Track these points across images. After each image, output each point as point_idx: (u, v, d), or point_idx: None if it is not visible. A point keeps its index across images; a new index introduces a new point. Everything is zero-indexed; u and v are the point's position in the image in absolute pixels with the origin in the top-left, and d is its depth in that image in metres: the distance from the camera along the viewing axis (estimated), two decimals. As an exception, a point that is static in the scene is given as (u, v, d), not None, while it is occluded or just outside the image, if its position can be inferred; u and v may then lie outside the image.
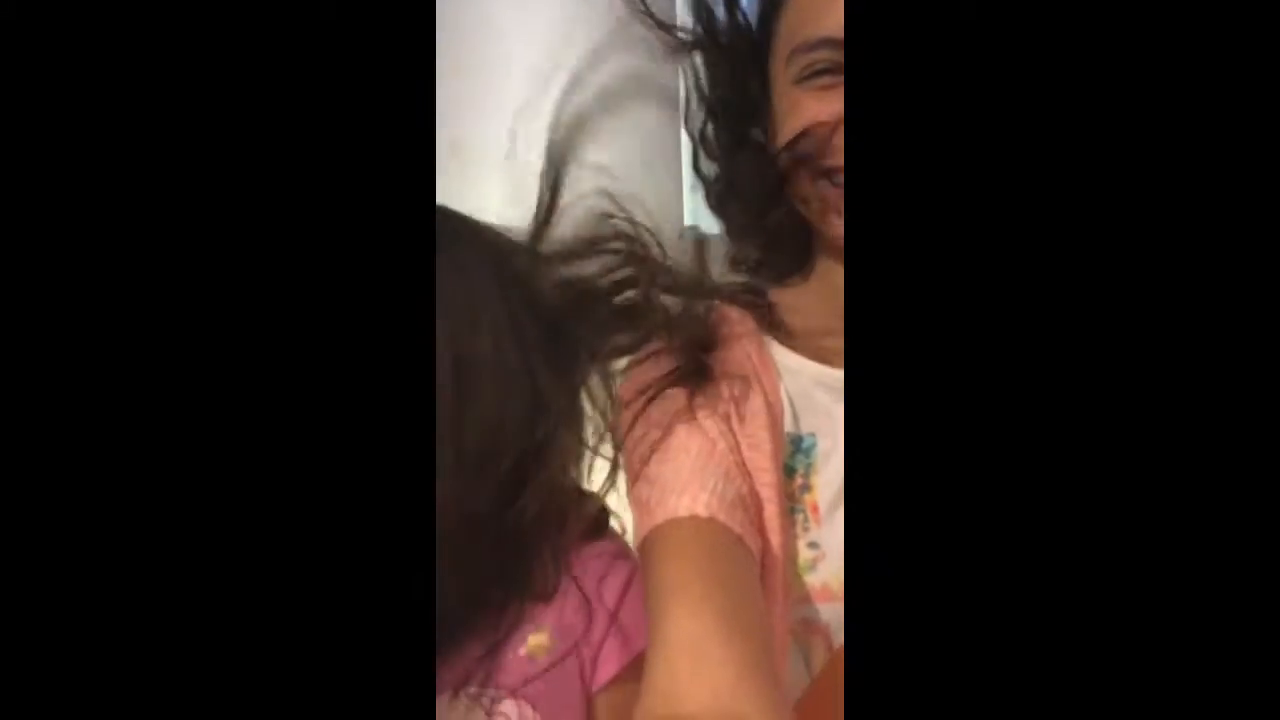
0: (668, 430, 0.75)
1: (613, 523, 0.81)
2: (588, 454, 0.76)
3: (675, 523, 0.71)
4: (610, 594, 0.77)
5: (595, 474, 0.78)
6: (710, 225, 0.88)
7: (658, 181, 0.80)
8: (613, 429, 0.76)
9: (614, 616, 0.77)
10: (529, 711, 0.74)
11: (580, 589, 0.76)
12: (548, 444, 0.72)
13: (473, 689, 0.73)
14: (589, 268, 0.76)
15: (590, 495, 0.78)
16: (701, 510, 0.71)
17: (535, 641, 0.75)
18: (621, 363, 0.80)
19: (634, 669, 0.76)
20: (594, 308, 0.76)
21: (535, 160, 0.78)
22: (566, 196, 0.76)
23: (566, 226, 0.76)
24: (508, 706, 0.74)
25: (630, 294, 0.76)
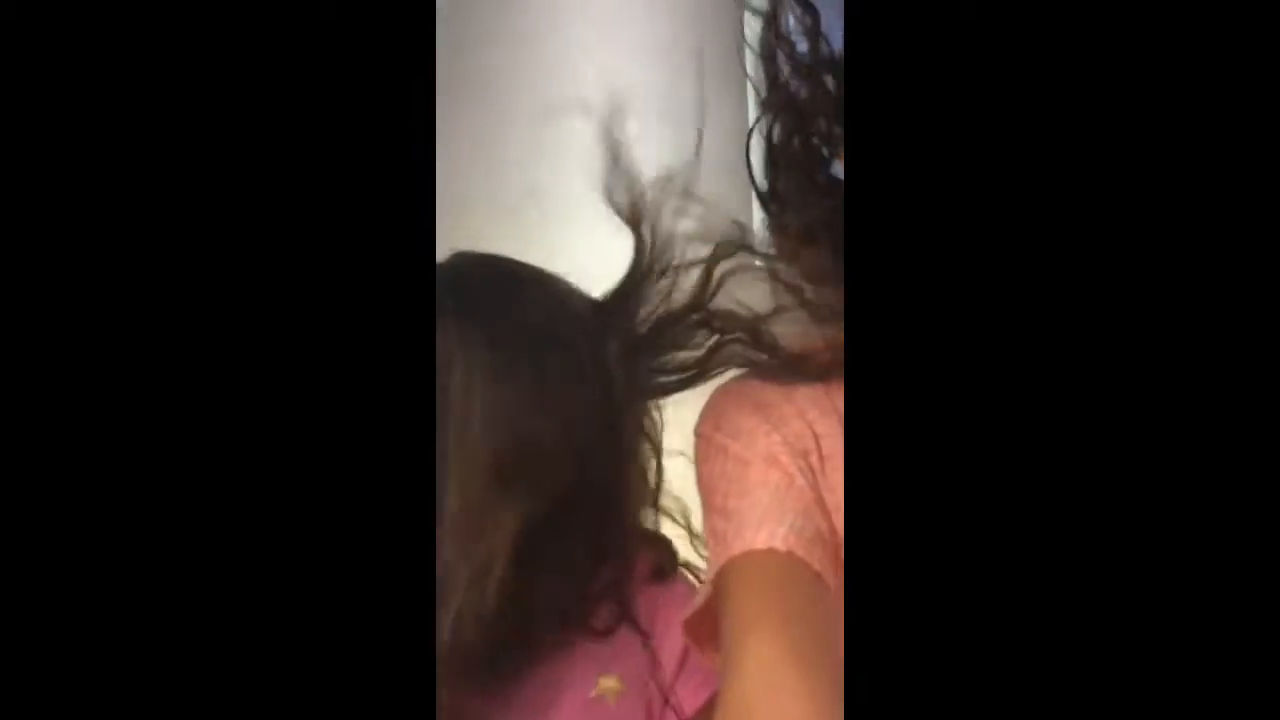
0: (747, 464, 0.74)
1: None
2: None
3: (752, 555, 0.71)
4: (679, 637, 0.76)
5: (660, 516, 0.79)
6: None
7: (725, 222, 0.80)
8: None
9: (684, 660, 0.76)
10: None
11: (639, 627, 0.76)
12: (615, 483, 0.73)
13: None
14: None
15: (658, 536, 0.78)
16: (779, 545, 0.70)
17: (605, 684, 0.76)
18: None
19: (706, 713, 0.76)
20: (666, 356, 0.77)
21: (610, 210, 0.79)
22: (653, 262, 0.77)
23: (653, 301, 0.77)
24: None
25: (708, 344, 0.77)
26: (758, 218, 0.86)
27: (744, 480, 0.74)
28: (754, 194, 0.82)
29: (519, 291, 0.78)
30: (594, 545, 0.75)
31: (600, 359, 0.75)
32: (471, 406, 0.72)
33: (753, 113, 0.83)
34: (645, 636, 0.76)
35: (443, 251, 0.75)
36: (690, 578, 0.81)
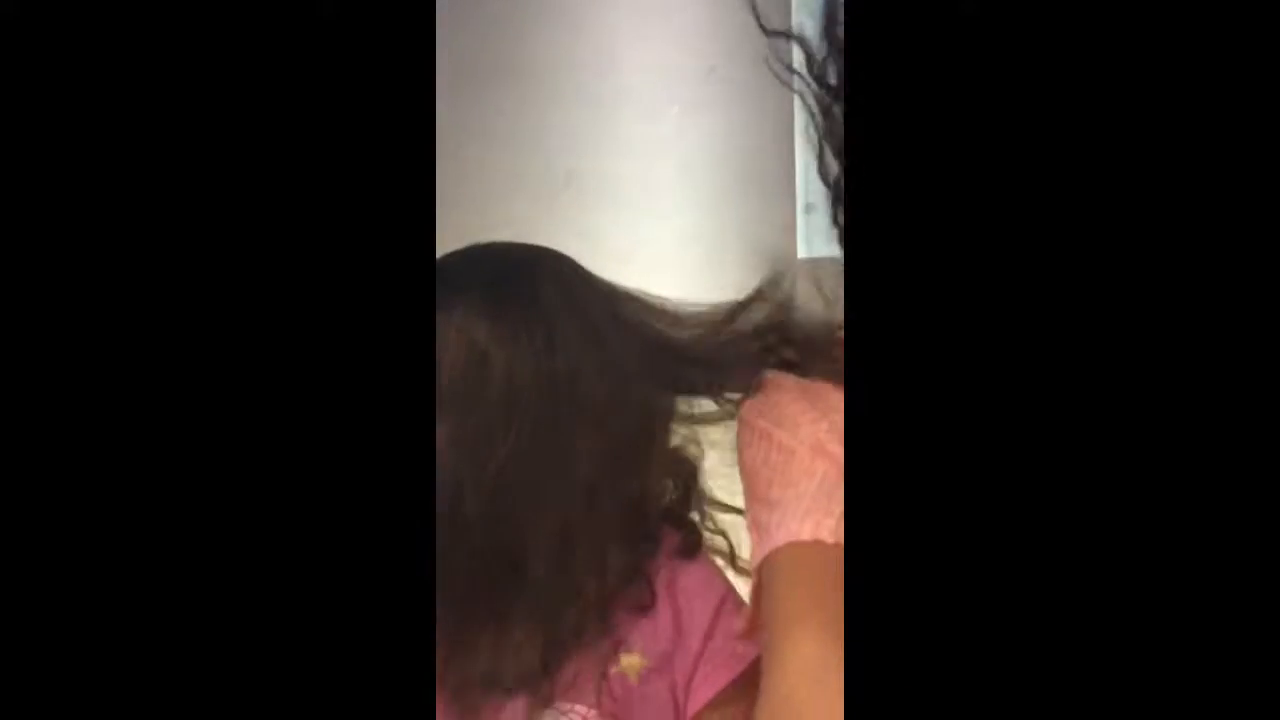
0: (791, 452, 0.73)
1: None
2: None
3: (798, 547, 0.69)
4: (702, 615, 0.77)
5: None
6: (822, 248, 0.86)
7: (769, 207, 0.79)
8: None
9: (708, 638, 0.76)
10: None
11: (673, 605, 0.76)
12: (645, 466, 0.74)
13: (564, 704, 0.74)
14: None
15: (683, 517, 0.79)
16: (827, 536, 0.69)
17: (627, 661, 0.76)
18: None
19: (730, 693, 0.76)
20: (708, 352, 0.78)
21: (651, 195, 0.79)
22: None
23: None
24: None
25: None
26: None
27: (789, 469, 0.73)
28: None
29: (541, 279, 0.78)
30: (620, 525, 0.75)
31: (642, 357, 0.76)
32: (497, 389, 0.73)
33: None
34: (670, 615, 0.76)
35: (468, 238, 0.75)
36: (715, 559, 0.81)
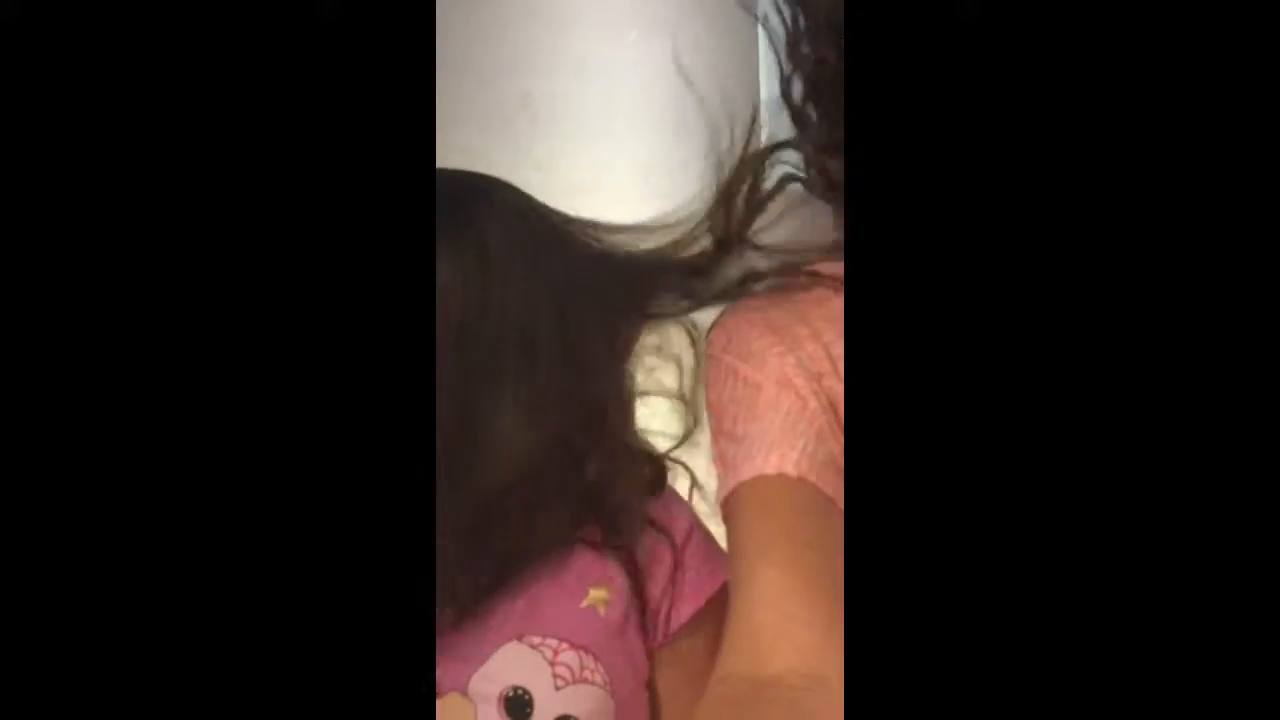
0: (758, 387, 0.73)
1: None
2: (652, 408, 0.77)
3: (764, 480, 0.70)
4: (670, 548, 0.78)
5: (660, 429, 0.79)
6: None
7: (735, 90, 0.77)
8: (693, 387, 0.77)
9: (676, 569, 0.77)
10: (591, 662, 0.75)
11: (666, 534, 0.77)
12: (610, 403, 0.74)
13: (534, 638, 0.74)
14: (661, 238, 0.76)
15: (650, 452, 0.79)
16: (791, 469, 0.69)
17: (596, 595, 0.76)
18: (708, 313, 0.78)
19: (697, 622, 0.77)
20: (659, 273, 0.77)
21: (610, 120, 0.77)
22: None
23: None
24: (569, 657, 0.75)
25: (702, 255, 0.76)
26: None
27: (754, 404, 0.73)
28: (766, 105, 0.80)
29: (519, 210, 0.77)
30: (588, 460, 0.75)
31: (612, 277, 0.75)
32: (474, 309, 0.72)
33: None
34: (639, 547, 0.77)
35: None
36: (680, 492, 0.81)
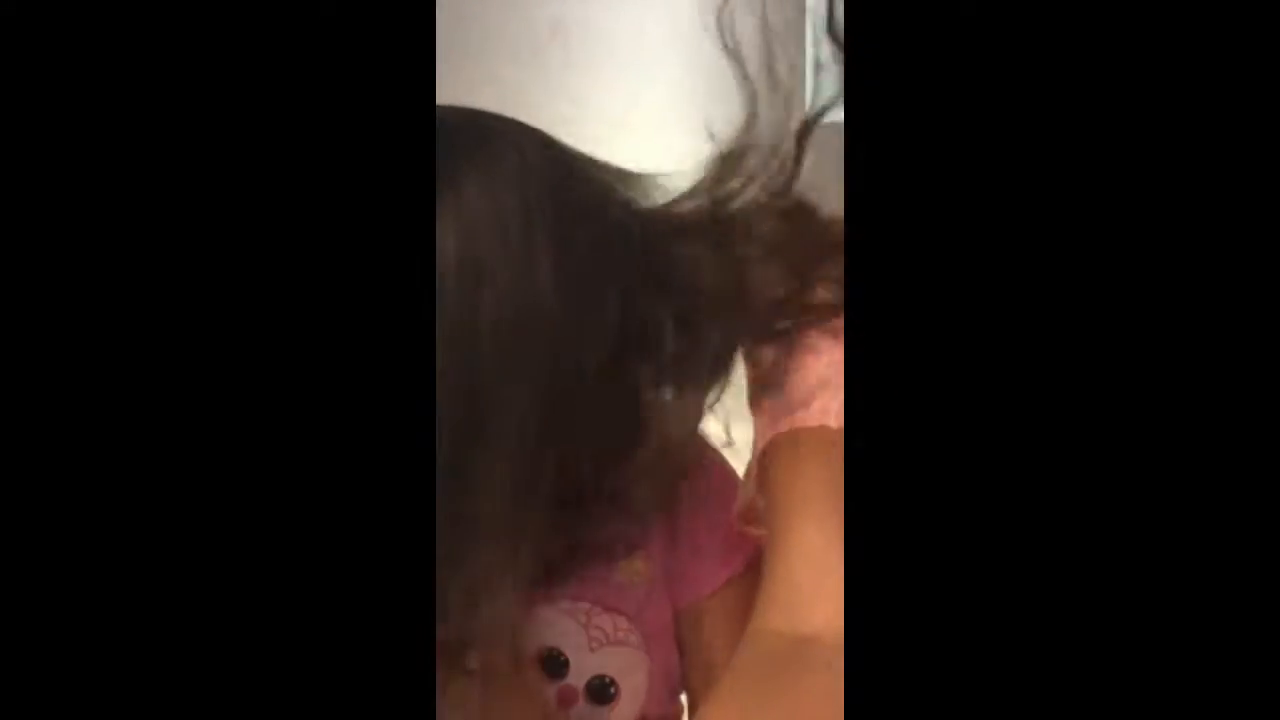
0: (797, 334, 0.70)
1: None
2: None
3: (803, 432, 0.67)
4: (704, 505, 0.74)
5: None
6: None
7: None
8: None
9: (710, 528, 0.75)
10: (624, 623, 0.74)
11: (700, 497, 0.74)
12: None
13: (565, 603, 0.73)
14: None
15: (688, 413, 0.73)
16: (832, 421, 0.67)
17: (630, 566, 0.74)
18: None
19: (733, 580, 0.75)
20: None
21: (657, 46, 0.72)
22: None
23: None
24: (603, 620, 0.74)
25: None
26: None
27: (793, 351, 0.70)
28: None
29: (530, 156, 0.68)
30: (614, 423, 0.68)
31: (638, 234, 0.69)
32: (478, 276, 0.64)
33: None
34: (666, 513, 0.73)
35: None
36: (715, 453, 0.77)
